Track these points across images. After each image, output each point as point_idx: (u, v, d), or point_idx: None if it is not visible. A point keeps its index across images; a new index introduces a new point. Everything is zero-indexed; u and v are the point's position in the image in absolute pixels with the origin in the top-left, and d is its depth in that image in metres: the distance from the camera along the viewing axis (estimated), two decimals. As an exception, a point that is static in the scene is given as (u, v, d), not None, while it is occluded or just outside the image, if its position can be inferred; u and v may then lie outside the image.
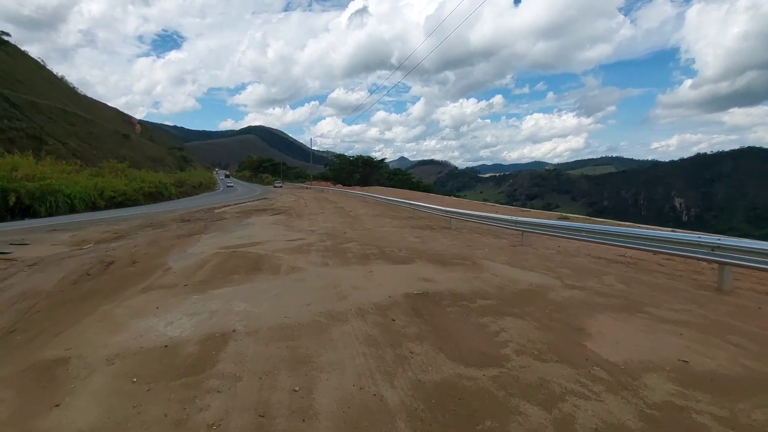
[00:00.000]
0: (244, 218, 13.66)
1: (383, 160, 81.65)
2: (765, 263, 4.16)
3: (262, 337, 3.29)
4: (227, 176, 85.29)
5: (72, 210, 18.09)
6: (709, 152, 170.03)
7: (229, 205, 20.94)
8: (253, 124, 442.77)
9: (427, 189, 65.42)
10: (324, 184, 55.03)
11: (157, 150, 65.30)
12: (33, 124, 30.92)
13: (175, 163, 66.05)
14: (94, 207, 19.76)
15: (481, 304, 4.18)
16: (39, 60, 58.27)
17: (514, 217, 8.89)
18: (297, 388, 2.47)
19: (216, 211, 17.28)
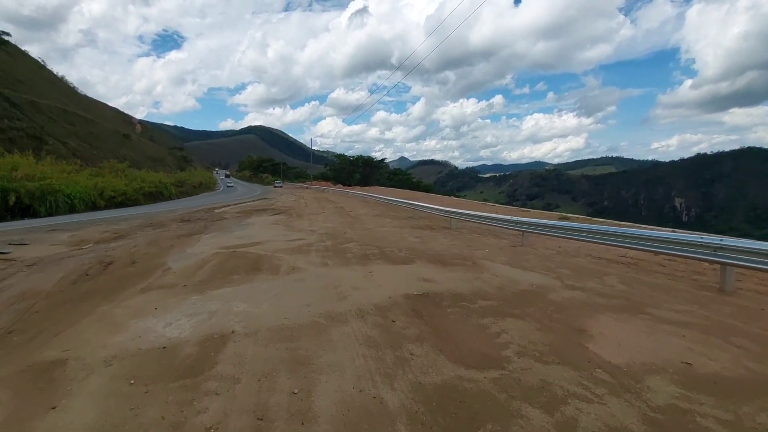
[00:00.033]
0: (244, 218, 13.65)
1: (383, 160, 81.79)
2: (768, 264, 4.14)
3: (262, 338, 3.26)
4: (227, 176, 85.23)
5: (72, 210, 18.07)
6: (709, 152, 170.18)
7: (229, 205, 20.92)
8: (253, 124, 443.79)
9: (427, 189, 65.43)
10: (324, 184, 55.02)
11: (157, 150, 65.29)
12: (33, 123, 30.92)
13: (175, 163, 66.04)
14: (94, 207, 19.74)
15: (482, 304, 4.15)
16: (39, 60, 58.35)
17: (514, 218, 8.87)
18: (296, 390, 2.44)
19: (216, 211, 17.26)
